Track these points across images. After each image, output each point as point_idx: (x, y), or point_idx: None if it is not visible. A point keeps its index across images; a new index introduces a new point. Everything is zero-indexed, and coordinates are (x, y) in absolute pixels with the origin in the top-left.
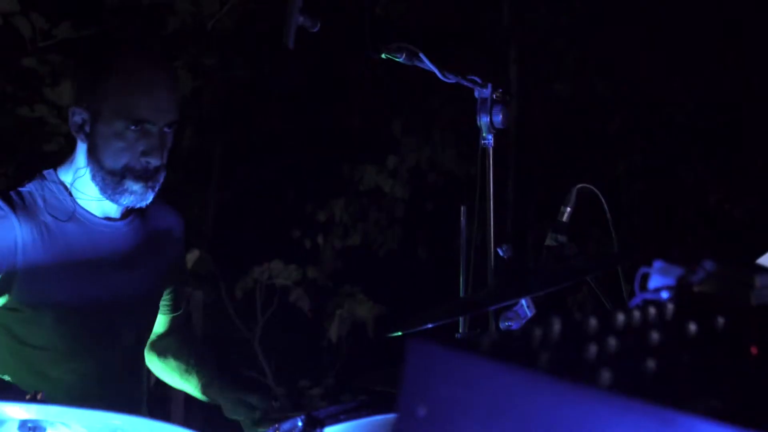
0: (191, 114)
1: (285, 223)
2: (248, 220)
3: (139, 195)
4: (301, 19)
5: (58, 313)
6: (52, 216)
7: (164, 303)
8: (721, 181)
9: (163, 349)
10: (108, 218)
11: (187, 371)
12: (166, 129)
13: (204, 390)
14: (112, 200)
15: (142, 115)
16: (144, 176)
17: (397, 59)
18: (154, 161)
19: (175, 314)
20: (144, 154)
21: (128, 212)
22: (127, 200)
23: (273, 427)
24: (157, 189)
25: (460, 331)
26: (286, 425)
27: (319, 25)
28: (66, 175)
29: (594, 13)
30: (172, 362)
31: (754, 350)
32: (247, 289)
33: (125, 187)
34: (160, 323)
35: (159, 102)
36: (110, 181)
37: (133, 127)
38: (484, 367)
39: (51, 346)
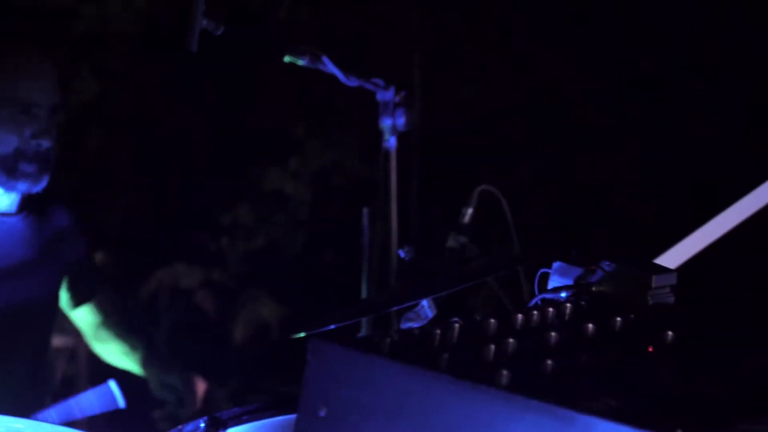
0: (97, 117)
1: (190, 226)
2: (153, 222)
3: (33, 177)
4: (204, 22)
5: None
6: None
7: (70, 298)
8: (625, 182)
9: (100, 336)
10: (3, 214)
11: (125, 352)
12: (52, 111)
13: (142, 365)
14: (7, 187)
15: (30, 98)
16: (36, 158)
17: (300, 62)
18: (45, 142)
19: (87, 303)
20: (34, 136)
21: (23, 206)
22: (23, 184)
23: (176, 428)
24: (50, 173)
25: (362, 332)
26: (189, 427)
27: (222, 28)
28: None
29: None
30: (111, 346)
31: (650, 349)
32: (152, 291)
33: (20, 170)
34: (87, 313)
35: (44, 85)
36: (2, 166)
37: (20, 113)
38: (384, 367)
39: None
